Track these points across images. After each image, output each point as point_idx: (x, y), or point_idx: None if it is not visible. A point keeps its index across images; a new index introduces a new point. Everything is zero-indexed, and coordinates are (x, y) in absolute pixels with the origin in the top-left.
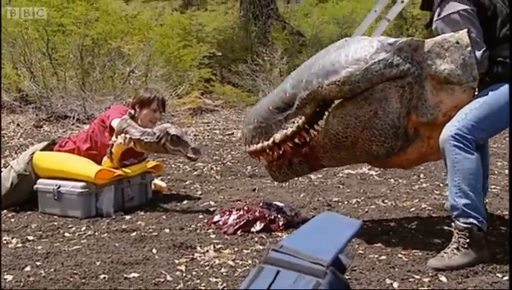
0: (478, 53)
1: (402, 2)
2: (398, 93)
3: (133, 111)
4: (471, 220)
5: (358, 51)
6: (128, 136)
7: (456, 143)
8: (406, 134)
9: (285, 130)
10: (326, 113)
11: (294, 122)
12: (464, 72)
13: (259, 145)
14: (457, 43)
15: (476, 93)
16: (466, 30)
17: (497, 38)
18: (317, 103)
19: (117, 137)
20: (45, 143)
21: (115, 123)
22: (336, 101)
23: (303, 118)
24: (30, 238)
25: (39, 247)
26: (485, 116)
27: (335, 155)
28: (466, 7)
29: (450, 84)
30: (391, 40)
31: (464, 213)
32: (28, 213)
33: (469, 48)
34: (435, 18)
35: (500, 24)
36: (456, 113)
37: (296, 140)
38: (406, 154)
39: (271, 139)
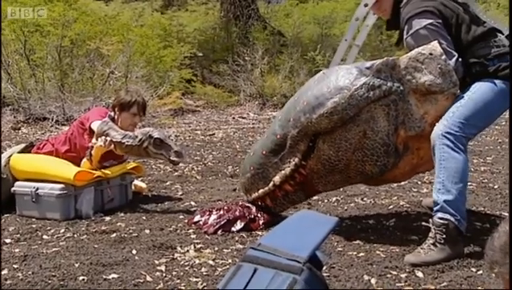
0: (452, 62)
1: (367, 26)
2: (384, 112)
3: (112, 113)
4: (448, 216)
5: (339, 80)
6: (108, 139)
7: (445, 141)
8: (397, 150)
9: (283, 171)
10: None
11: (290, 161)
12: (444, 80)
13: (260, 191)
14: (431, 54)
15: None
16: (436, 41)
17: (467, 42)
18: (310, 138)
19: (97, 139)
20: (23, 146)
21: (95, 125)
22: None
23: (298, 155)
24: (8, 241)
25: (17, 250)
26: (472, 112)
27: (329, 179)
28: (431, 21)
29: (433, 94)
30: (368, 64)
31: (442, 209)
32: (5, 215)
33: (444, 57)
34: (404, 37)
35: (466, 29)
36: None
37: (294, 175)
38: (399, 168)
39: (271, 183)
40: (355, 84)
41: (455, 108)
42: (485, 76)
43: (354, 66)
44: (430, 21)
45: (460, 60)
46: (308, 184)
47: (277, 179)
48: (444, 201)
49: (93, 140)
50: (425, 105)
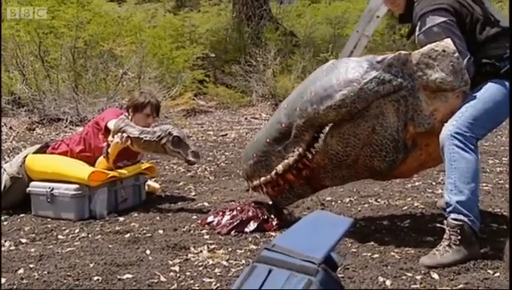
0: (464, 61)
1: (378, 17)
2: (394, 107)
3: (126, 114)
4: (461, 217)
5: (349, 72)
6: (125, 135)
7: (455, 142)
8: (406, 145)
9: (286, 160)
10: (323, 134)
11: (294, 151)
12: (456, 78)
13: (262, 179)
14: (444, 51)
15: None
16: (449, 38)
17: (480, 41)
18: (315, 129)
19: (113, 136)
20: (38, 146)
21: (112, 124)
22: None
23: (303, 145)
24: (24, 240)
25: (32, 250)
26: (482, 112)
27: (337, 174)
28: (445, 19)
29: (443, 91)
30: (379, 58)
31: (456, 210)
32: (21, 215)
33: (456, 54)
34: (416, 33)
35: (480, 28)
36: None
37: (298, 166)
38: (407, 164)
39: (273, 172)
40: (365, 78)
41: (464, 108)
42: (494, 76)
43: (365, 59)
44: (444, 19)
45: (471, 59)
46: (315, 178)
47: (280, 168)
48: (457, 202)
49: (110, 137)
50: (435, 101)
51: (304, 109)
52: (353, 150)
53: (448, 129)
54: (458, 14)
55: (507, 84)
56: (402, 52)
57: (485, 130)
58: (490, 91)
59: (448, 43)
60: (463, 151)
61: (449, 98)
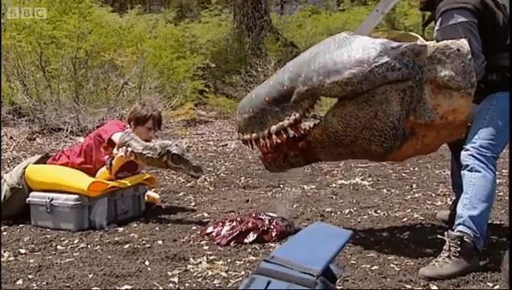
0: (477, 64)
1: None
2: (399, 96)
3: (128, 126)
4: (468, 231)
5: (361, 52)
6: (130, 149)
7: (477, 162)
8: (404, 133)
9: (281, 122)
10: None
11: (290, 115)
12: (464, 79)
13: (254, 134)
14: (458, 50)
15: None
16: (467, 38)
17: (495, 48)
18: (316, 98)
19: (118, 149)
20: (38, 157)
21: (117, 137)
22: (336, 99)
23: (300, 111)
24: (23, 251)
25: (32, 260)
26: (496, 131)
27: (333, 151)
28: (467, 20)
29: (449, 89)
30: (394, 44)
31: (465, 223)
32: (20, 226)
33: (470, 56)
34: (436, 28)
35: (498, 35)
36: (453, 116)
37: (292, 133)
38: (401, 150)
39: (266, 130)
40: (376, 62)
41: (478, 129)
42: (499, 87)
43: (380, 42)
44: (465, 19)
45: (485, 63)
46: (311, 151)
47: (273, 128)
48: (469, 217)
49: (115, 150)
50: (439, 97)
51: (309, 78)
52: (353, 131)
53: (470, 151)
54: (480, 16)
55: None
56: (418, 43)
57: (502, 146)
58: (500, 107)
59: (463, 43)
60: (484, 171)
61: (453, 96)
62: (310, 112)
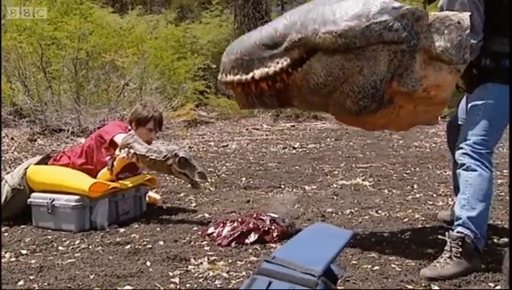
0: (474, 41)
1: None
2: (389, 57)
3: (129, 127)
4: (468, 232)
5: (361, 6)
6: (132, 151)
7: (471, 161)
8: (382, 98)
9: (267, 68)
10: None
11: (277, 63)
12: (457, 53)
13: (237, 77)
14: (458, 23)
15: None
16: (470, 13)
17: (496, 29)
18: (306, 50)
19: (120, 151)
20: (39, 157)
21: (119, 138)
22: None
23: (288, 60)
24: (24, 252)
25: (33, 261)
26: (489, 127)
27: (308, 98)
28: None
29: (440, 61)
30: (396, 4)
31: (464, 224)
32: (22, 227)
33: (468, 31)
34: None
35: (503, 16)
36: (435, 92)
37: (277, 83)
38: (374, 117)
39: (250, 74)
40: (375, 18)
41: (471, 126)
42: (490, 76)
43: (383, 0)
44: None
45: (481, 42)
46: (286, 94)
47: (257, 73)
48: (468, 217)
49: (117, 151)
50: (428, 68)
51: (305, 26)
52: (334, 82)
53: (464, 149)
54: None
55: (507, 87)
56: (420, 9)
57: (496, 140)
58: (491, 102)
59: (465, 17)
60: (480, 169)
61: (442, 70)
62: (297, 65)
